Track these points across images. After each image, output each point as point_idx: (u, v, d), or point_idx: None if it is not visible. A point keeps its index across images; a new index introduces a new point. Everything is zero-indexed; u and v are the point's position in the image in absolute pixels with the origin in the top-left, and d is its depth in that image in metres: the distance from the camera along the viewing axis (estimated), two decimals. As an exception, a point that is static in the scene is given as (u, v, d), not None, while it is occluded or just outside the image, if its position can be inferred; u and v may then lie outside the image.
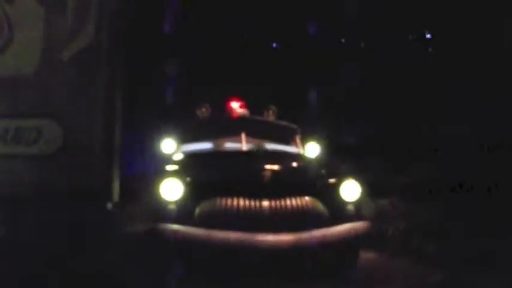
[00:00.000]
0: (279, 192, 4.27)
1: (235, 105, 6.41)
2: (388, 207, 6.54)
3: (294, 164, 5.21)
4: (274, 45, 13.54)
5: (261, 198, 4.19)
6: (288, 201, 4.22)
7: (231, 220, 4.11)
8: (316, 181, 4.61)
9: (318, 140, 6.37)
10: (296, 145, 6.05)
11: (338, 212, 4.38)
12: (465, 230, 5.42)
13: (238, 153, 5.43)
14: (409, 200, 6.77)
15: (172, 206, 4.21)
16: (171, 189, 4.25)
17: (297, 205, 4.24)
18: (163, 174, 4.55)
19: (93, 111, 6.30)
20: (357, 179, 4.57)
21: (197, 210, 4.18)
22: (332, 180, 4.58)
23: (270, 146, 5.80)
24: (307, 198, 4.32)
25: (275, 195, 4.23)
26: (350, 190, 4.49)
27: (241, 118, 6.27)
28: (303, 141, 6.21)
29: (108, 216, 5.86)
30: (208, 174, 4.53)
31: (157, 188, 4.27)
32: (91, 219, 5.19)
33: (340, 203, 4.43)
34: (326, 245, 4.21)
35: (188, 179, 4.34)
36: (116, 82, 6.40)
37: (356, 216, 4.42)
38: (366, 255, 4.82)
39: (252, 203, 4.17)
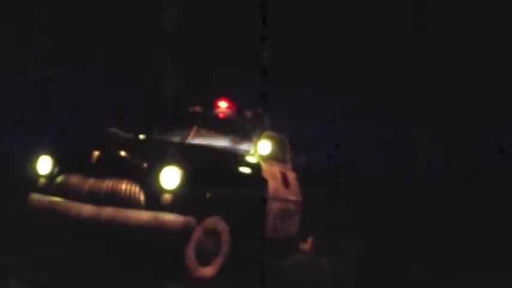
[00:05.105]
0: (107, 173, 4.58)
1: (223, 105, 6.63)
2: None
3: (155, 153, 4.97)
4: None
5: (89, 176, 4.62)
6: (107, 182, 4.52)
7: (69, 192, 4.66)
8: (144, 166, 4.59)
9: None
10: (249, 144, 5.96)
11: (153, 198, 4.39)
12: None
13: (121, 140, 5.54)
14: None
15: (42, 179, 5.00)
16: (43, 165, 5.02)
17: (112, 186, 4.50)
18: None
19: None
20: (182, 167, 4.40)
21: (54, 182, 4.88)
22: (155, 166, 4.50)
23: (215, 142, 5.89)
24: (124, 180, 4.48)
25: (102, 176, 4.57)
26: (169, 177, 4.40)
27: (198, 114, 6.42)
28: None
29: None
30: (74, 152, 5.12)
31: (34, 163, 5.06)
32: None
33: (156, 190, 4.40)
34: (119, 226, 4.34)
35: (57, 156, 5.03)
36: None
37: (171, 206, 4.33)
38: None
39: (84, 180, 4.64)
